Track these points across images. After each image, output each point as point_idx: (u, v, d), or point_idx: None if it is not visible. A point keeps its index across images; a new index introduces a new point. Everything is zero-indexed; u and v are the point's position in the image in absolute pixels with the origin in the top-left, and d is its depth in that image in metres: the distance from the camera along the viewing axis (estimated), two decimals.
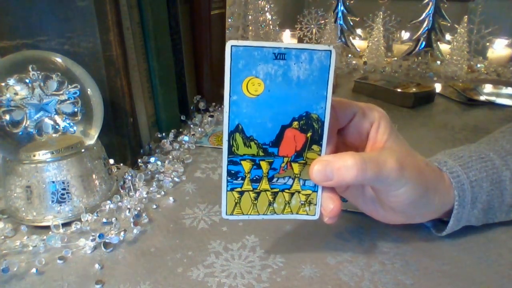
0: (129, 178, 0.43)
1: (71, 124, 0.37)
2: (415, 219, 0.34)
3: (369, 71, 1.06)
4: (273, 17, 1.09)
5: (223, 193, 0.28)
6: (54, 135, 0.37)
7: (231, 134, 0.26)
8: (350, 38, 1.20)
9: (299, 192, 0.29)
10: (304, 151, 0.28)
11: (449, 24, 1.06)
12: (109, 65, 0.44)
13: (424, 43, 1.09)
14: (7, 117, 0.35)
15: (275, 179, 0.29)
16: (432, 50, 1.09)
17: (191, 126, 0.61)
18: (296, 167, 0.28)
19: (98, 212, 0.38)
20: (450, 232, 0.34)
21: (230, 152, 0.27)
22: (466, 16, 0.96)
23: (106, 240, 0.34)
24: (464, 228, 0.35)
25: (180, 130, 0.59)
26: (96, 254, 0.34)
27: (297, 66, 0.25)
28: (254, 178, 0.28)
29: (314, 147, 0.28)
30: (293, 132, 0.27)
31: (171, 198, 0.42)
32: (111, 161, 0.45)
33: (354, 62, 1.11)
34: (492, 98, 0.79)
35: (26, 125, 0.35)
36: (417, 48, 1.09)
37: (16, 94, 0.35)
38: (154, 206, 0.41)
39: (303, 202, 0.29)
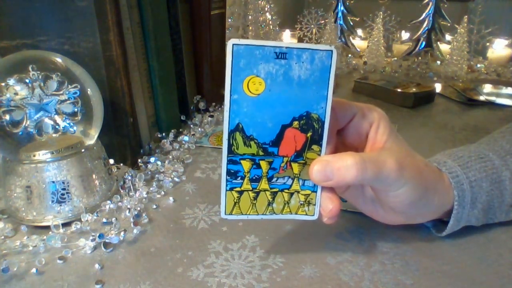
0: (129, 178, 0.43)
1: (71, 124, 0.37)
2: (415, 219, 0.34)
3: (369, 71, 1.06)
4: (273, 17, 1.09)
5: (222, 193, 0.28)
6: (54, 135, 0.37)
7: (231, 133, 0.26)
8: (350, 38, 1.20)
9: (298, 192, 0.29)
10: (304, 151, 0.28)
11: (449, 24, 1.06)
12: (109, 65, 0.44)
13: (424, 43, 1.09)
14: (7, 117, 0.35)
15: (274, 179, 0.28)
16: (432, 50, 1.09)
17: (191, 126, 0.61)
18: (295, 167, 0.28)
19: (98, 212, 0.38)
20: (450, 232, 0.34)
21: (230, 151, 0.27)
22: (466, 16, 0.96)
23: (106, 240, 0.34)
24: (464, 228, 0.35)
25: (180, 130, 0.59)
26: (96, 254, 0.34)
27: (298, 65, 0.25)
28: (254, 178, 0.28)
29: (314, 147, 0.28)
30: (293, 132, 0.27)
31: (171, 198, 0.42)
32: (111, 161, 0.45)
33: (354, 62, 1.11)
34: (492, 98, 0.79)
35: (26, 125, 0.35)
36: (417, 48, 1.10)
37: (16, 94, 0.35)
38: (154, 206, 0.41)
39: (302, 202, 0.29)
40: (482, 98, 0.78)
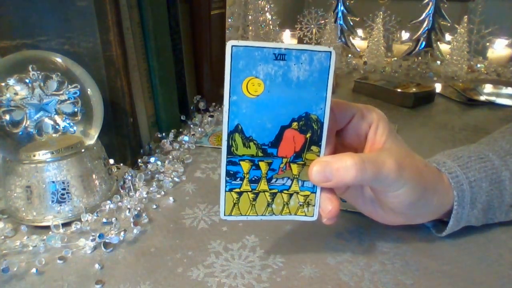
0: (129, 178, 0.44)
1: (71, 124, 0.37)
2: (414, 220, 0.34)
3: (369, 71, 1.06)
4: (273, 17, 1.09)
5: (221, 194, 0.28)
6: (54, 135, 0.37)
7: (230, 134, 0.26)
8: (350, 38, 1.20)
9: (297, 193, 0.29)
10: (303, 152, 0.28)
11: (449, 24, 1.06)
12: (109, 65, 0.44)
13: (424, 43, 1.09)
14: (7, 117, 0.35)
15: (273, 180, 0.29)
16: (432, 50, 1.09)
17: (191, 126, 0.61)
18: (295, 168, 0.28)
19: (98, 212, 0.38)
20: (450, 232, 0.34)
21: (229, 152, 0.27)
22: (466, 16, 0.96)
23: (106, 240, 0.34)
24: (464, 228, 0.35)
25: (180, 130, 0.60)
26: (96, 254, 0.34)
27: (297, 66, 0.25)
28: (253, 179, 0.28)
29: (313, 148, 0.28)
30: (292, 133, 0.27)
31: (171, 198, 0.42)
32: (111, 161, 0.45)
33: (354, 62, 1.11)
34: (492, 98, 0.79)
35: (26, 125, 0.35)
36: (417, 48, 1.09)
37: (16, 94, 0.35)
38: (154, 206, 0.41)
39: (301, 203, 0.29)
40: (482, 98, 0.78)
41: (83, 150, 0.38)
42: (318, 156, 0.28)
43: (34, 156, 0.36)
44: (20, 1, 0.42)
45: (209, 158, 0.53)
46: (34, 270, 0.31)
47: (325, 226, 0.30)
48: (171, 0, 0.56)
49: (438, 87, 0.87)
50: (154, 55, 0.52)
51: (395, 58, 1.10)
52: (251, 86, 0.25)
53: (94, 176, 0.39)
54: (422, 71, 1.02)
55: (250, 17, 1.06)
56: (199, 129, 0.60)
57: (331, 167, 0.27)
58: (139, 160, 0.48)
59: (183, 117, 0.61)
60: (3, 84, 0.34)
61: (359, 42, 1.21)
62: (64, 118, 0.37)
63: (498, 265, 0.32)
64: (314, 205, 0.30)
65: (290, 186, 0.29)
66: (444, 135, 0.61)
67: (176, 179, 0.46)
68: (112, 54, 0.43)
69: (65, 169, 0.37)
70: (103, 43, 0.43)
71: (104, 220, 0.38)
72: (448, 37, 1.08)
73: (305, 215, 0.30)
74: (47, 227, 0.36)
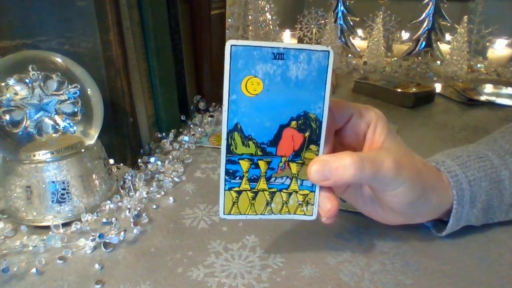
0: (129, 178, 0.44)
1: (71, 124, 0.37)
2: (414, 219, 0.34)
3: (369, 71, 1.06)
4: (273, 17, 1.09)
5: (220, 192, 0.28)
6: (54, 135, 0.37)
7: (229, 133, 0.27)
8: (350, 38, 1.20)
9: (296, 192, 0.29)
10: (302, 151, 0.28)
11: (449, 24, 1.06)
12: (109, 65, 0.44)
13: (424, 43, 1.09)
14: (7, 117, 0.35)
15: (273, 179, 0.29)
16: (432, 50, 1.09)
17: (191, 126, 0.61)
18: (294, 167, 0.28)
19: (98, 212, 0.38)
20: (450, 232, 0.34)
21: (229, 151, 0.27)
22: (466, 16, 0.96)
23: (106, 240, 0.34)
24: (464, 228, 0.35)
25: (180, 130, 0.60)
26: (96, 254, 0.34)
27: (296, 66, 0.26)
28: (252, 178, 0.28)
29: (312, 147, 0.28)
30: (291, 132, 0.27)
31: (171, 198, 0.42)
32: (111, 161, 0.45)
33: (354, 62, 1.11)
34: (492, 98, 0.79)
35: (26, 125, 0.35)
36: (417, 48, 1.09)
37: (16, 94, 0.35)
38: (154, 206, 0.41)
39: (300, 202, 0.30)
40: (482, 98, 0.78)
41: (83, 150, 0.38)
42: (317, 155, 0.28)
43: (34, 156, 0.36)
44: (20, 1, 0.42)
45: (209, 158, 0.53)
46: (34, 270, 0.31)
47: (325, 225, 0.30)
48: (171, 0, 0.56)
49: (438, 87, 0.87)
50: (154, 55, 0.52)
51: (395, 58, 1.10)
52: (250, 85, 0.26)
53: (94, 176, 0.39)
54: (422, 71, 1.02)
55: (250, 17, 1.06)
56: (199, 129, 0.60)
57: (330, 166, 0.27)
58: (139, 160, 0.48)
59: (183, 117, 0.61)
60: (3, 84, 0.34)
61: (359, 42, 1.21)
62: (64, 118, 0.37)
63: (498, 265, 0.32)
64: (313, 204, 0.30)
65: (289, 185, 0.29)
66: (444, 135, 0.61)
67: (176, 179, 0.46)
68: (112, 54, 0.44)
69: (65, 169, 0.37)
70: (103, 43, 0.43)
71: (104, 220, 0.38)
72: (448, 37, 1.08)
73: (304, 214, 0.30)
74: (47, 227, 0.36)
